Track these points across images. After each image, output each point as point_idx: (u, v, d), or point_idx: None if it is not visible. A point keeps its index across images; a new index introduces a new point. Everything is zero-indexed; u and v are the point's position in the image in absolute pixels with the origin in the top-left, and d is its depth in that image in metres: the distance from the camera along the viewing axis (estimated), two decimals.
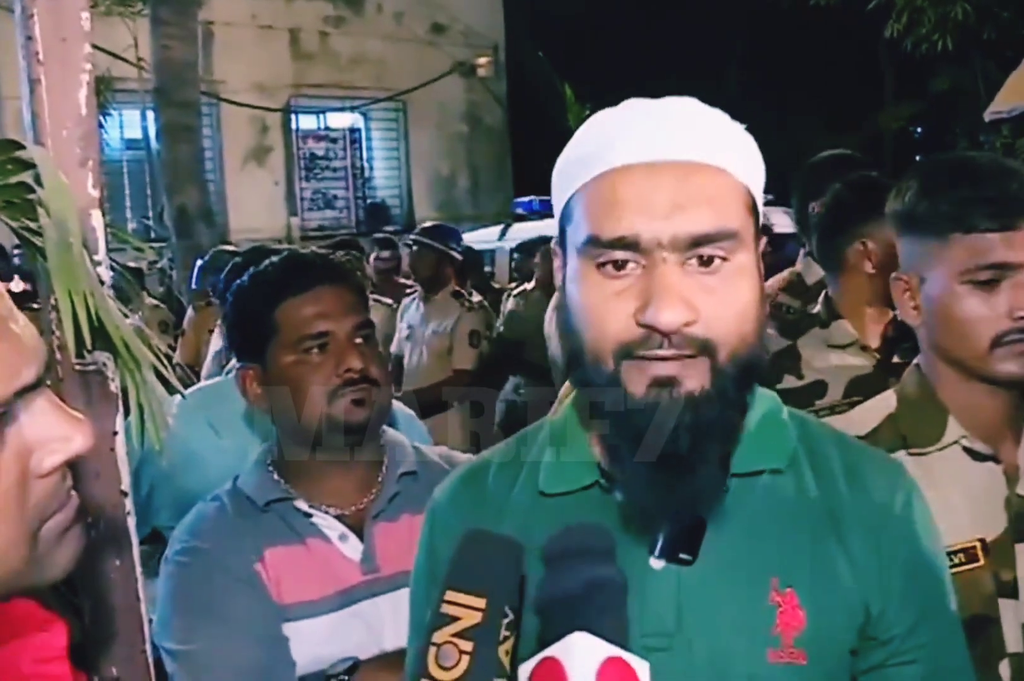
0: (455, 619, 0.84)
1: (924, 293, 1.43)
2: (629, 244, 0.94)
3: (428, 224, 5.49)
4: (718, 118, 1.02)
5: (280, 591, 1.52)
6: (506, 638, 0.85)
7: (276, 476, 1.61)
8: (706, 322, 0.93)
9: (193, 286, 5.78)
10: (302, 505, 1.58)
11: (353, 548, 1.58)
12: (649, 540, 1.00)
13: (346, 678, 1.47)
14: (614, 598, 0.84)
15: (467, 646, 0.83)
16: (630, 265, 0.95)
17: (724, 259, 0.95)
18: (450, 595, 0.86)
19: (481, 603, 0.85)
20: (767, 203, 1.14)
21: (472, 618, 0.84)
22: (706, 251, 0.94)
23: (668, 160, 0.96)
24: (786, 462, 1.05)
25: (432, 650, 0.84)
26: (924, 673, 1.04)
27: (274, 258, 1.69)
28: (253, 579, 1.52)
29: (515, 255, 7.07)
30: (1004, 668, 1.34)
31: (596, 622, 0.80)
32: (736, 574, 0.98)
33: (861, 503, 1.05)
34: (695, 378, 0.94)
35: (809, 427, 1.11)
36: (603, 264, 0.96)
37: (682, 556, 0.98)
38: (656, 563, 1.00)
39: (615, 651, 0.79)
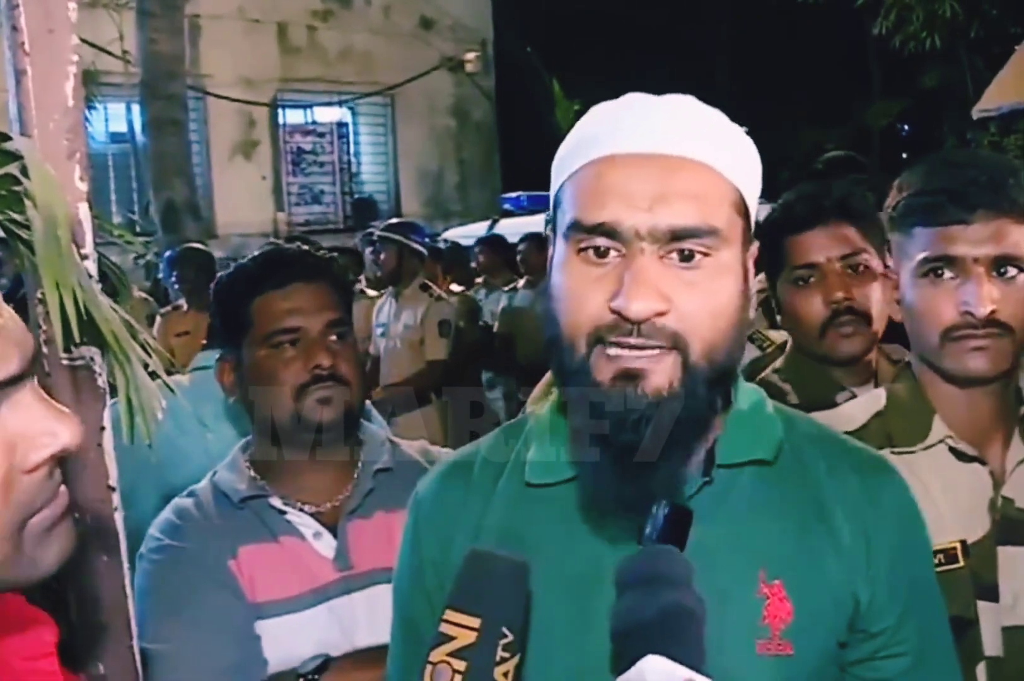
0: (451, 638, 0.84)
1: (900, 289, 1.43)
2: (608, 231, 0.95)
3: (392, 221, 5.65)
4: (715, 118, 1.02)
5: (254, 589, 1.51)
6: (504, 659, 0.84)
7: (252, 472, 1.60)
8: (680, 315, 0.94)
9: (159, 275, 5.80)
10: (277, 503, 1.57)
11: (327, 545, 1.57)
12: (635, 531, 0.99)
13: (316, 678, 1.46)
14: (690, 623, 0.82)
15: (460, 666, 0.83)
16: (611, 253, 0.95)
17: (705, 255, 0.95)
18: (448, 614, 0.86)
19: (476, 623, 0.84)
20: None
21: (466, 638, 0.84)
22: (686, 245, 0.95)
23: (657, 153, 0.97)
24: (772, 454, 1.05)
25: (428, 668, 0.84)
26: (912, 665, 1.04)
27: (256, 251, 1.70)
28: (227, 577, 1.51)
29: None
30: (981, 671, 1.32)
31: (672, 647, 0.79)
32: (723, 566, 0.98)
33: (848, 494, 1.05)
34: (663, 373, 0.94)
35: (794, 421, 1.11)
36: (584, 249, 0.96)
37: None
38: None
39: (690, 674, 0.78)
